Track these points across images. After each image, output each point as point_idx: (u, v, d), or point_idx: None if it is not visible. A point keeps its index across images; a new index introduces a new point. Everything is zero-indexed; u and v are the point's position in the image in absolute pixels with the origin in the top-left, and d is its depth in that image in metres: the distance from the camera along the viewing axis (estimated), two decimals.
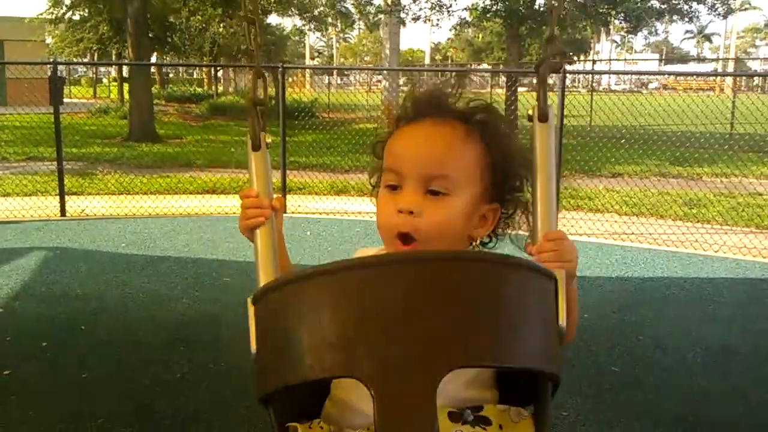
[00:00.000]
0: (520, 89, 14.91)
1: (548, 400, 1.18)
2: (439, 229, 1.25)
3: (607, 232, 7.83)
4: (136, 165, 12.77)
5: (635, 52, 79.07)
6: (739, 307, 5.46)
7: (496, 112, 1.36)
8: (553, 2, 1.35)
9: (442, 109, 1.32)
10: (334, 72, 36.64)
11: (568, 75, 8.31)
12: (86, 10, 28.22)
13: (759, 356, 4.48)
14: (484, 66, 46.78)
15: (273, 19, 35.57)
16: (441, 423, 1.08)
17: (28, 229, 7.50)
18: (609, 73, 36.43)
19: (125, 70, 24.68)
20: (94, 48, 30.42)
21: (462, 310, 1.01)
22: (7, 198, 8.99)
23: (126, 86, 22.20)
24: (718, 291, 5.86)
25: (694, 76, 37.47)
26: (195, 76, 46.20)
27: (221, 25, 28.62)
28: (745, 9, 67.27)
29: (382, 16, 21.83)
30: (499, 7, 18.37)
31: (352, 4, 25.91)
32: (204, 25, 28.07)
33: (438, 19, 20.14)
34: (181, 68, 51.89)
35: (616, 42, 72.00)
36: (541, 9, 17.11)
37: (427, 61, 65.01)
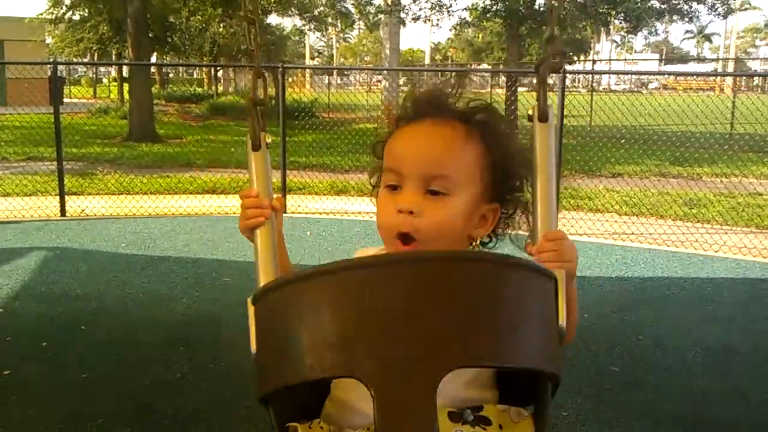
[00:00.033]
0: (520, 89, 14.92)
1: (548, 400, 1.17)
2: (439, 229, 1.25)
3: (607, 232, 7.83)
4: (136, 165, 12.77)
5: (635, 52, 79.10)
6: (739, 307, 5.46)
7: (496, 112, 1.36)
8: (553, 2, 1.34)
9: (442, 109, 1.31)
10: (334, 72, 36.65)
11: (568, 75, 8.31)
12: (86, 10, 28.22)
13: (759, 356, 4.48)
14: (484, 66, 46.79)
15: (273, 19, 35.60)
16: (441, 423, 1.08)
17: (28, 229, 7.50)
18: (609, 73, 36.41)
19: (125, 70, 24.69)
20: (94, 48, 30.42)
21: (462, 310, 1.00)
22: (7, 198, 8.99)
23: (126, 86, 22.20)
24: (718, 291, 5.86)
25: (694, 76, 37.48)
26: (195, 76, 46.20)
27: (221, 25, 28.62)
28: (745, 9, 67.28)
29: (382, 16, 21.83)
30: (499, 7, 18.37)
31: (352, 4, 25.92)
32: (204, 25, 28.07)
33: (438, 19, 20.14)
34: (181, 68, 51.89)
35: (616, 42, 72.02)
36: (541, 9, 17.11)
37: (427, 61, 65.01)
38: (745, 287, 6.09)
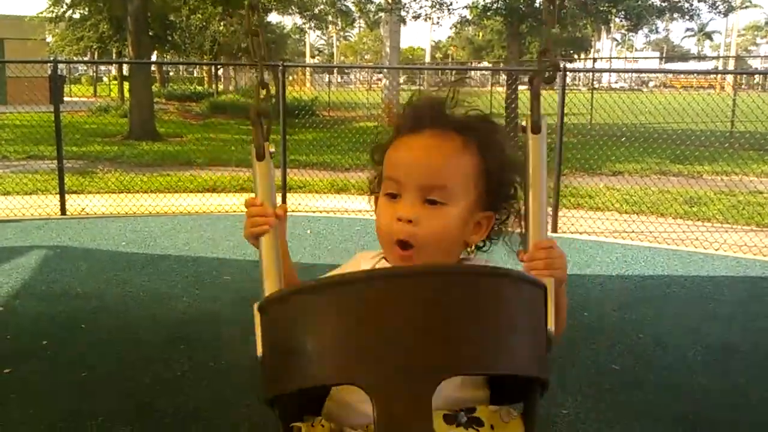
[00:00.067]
0: (520, 87, 14.88)
1: (537, 401, 1.24)
2: (436, 237, 1.31)
3: (607, 231, 7.83)
4: (137, 163, 12.76)
5: (636, 50, 79.05)
6: (739, 305, 5.46)
7: (492, 122, 1.41)
8: (546, 17, 1.39)
9: (440, 120, 1.36)
10: (335, 70, 36.67)
11: (568, 73, 8.29)
12: (86, 9, 28.20)
13: (759, 354, 4.48)
14: (485, 64, 46.79)
15: (273, 17, 35.60)
16: (437, 426, 1.14)
17: (29, 228, 7.50)
18: (609, 71, 36.38)
19: (125, 68, 24.65)
20: (95, 46, 30.43)
21: (457, 322, 1.06)
22: (8, 197, 8.99)
23: (126, 85, 22.20)
24: (718, 289, 5.86)
25: (695, 74, 37.41)
26: (195, 75, 46.21)
27: (221, 23, 28.63)
28: (746, 7, 67.18)
29: (382, 14, 21.79)
30: (499, 5, 18.33)
31: (353, 2, 25.84)
32: (204, 23, 28.09)
33: (438, 17, 20.10)
34: (181, 66, 51.82)
35: (616, 40, 71.99)
36: (542, 7, 17.06)
37: (427, 59, 65.02)
38: (746, 285, 6.09)
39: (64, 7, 27.04)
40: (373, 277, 1.12)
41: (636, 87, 38.87)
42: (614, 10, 19.65)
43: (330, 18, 32.40)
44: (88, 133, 16.90)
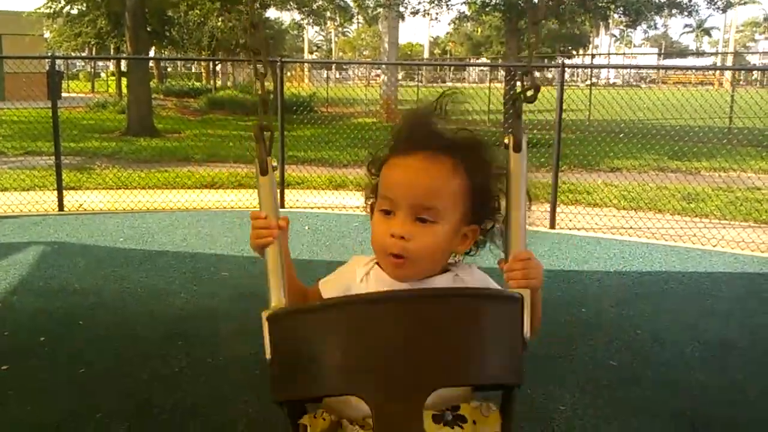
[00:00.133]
0: (518, 83, 14.87)
1: (514, 398, 1.38)
2: (427, 252, 1.45)
3: (605, 227, 7.83)
4: (134, 159, 12.75)
5: (634, 46, 78.98)
6: (737, 301, 5.47)
7: (479, 142, 1.51)
8: (531, 39, 1.52)
9: (431, 142, 1.47)
10: (333, 66, 36.57)
11: (567, 69, 8.28)
12: (84, 5, 28.12)
13: (757, 350, 4.49)
14: (483, 60, 46.75)
15: (271, 12, 35.51)
16: (427, 426, 1.27)
17: (26, 224, 7.49)
18: (608, 67, 36.41)
19: (123, 64, 24.65)
20: (93, 42, 30.33)
21: (446, 339, 1.20)
22: (5, 193, 8.97)
23: (124, 80, 22.15)
24: (716, 285, 5.86)
25: (693, 70, 37.39)
26: (193, 71, 46.06)
27: (220, 19, 28.52)
28: (745, 3, 67.05)
29: (380, 9, 21.78)
30: (498, 1, 18.34)
31: None
32: (202, 19, 27.98)
33: (437, 13, 20.12)
34: (179, 62, 51.61)
35: (615, 36, 71.95)
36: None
37: (426, 55, 64.96)
38: (743, 281, 6.09)
39: (62, 2, 26.96)
40: (374, 300, 1.27)
41: (635, 83, 38.82)
42: (613, 6, 19.64)
43: (328, 14, 32.34)
44: (85, 129, 16.87)
